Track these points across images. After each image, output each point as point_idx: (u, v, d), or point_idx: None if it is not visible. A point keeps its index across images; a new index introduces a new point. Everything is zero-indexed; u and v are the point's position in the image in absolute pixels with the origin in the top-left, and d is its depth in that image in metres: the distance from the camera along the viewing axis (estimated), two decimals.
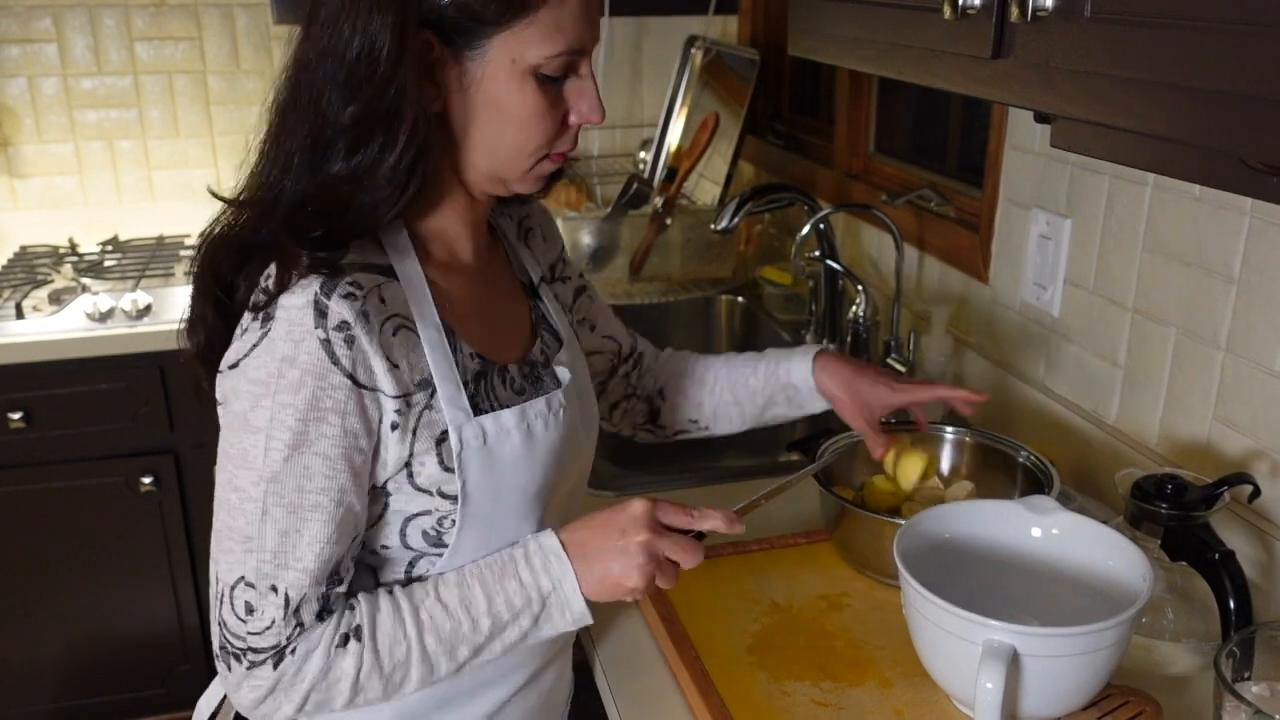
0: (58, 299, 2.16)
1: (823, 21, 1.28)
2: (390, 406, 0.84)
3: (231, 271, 0.86)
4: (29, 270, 2.34)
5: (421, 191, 0.86)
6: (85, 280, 2.27)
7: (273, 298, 0.82)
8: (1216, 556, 0.98)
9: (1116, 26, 0.78)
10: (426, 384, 0.87)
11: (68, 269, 2.35)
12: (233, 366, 0.83)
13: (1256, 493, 1.04)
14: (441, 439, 0.88)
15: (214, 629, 0.86)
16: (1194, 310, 1.22)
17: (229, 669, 0.86)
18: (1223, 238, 1.17)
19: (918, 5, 1.04)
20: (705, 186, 2.36)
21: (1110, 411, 1.37)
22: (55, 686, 2.29)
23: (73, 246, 2.49)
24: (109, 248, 2.51)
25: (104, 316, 2.11)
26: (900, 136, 2.09)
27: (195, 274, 0.90)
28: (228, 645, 0.85)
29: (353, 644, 0.86)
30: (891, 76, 1.14)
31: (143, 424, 2.16)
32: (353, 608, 0.87)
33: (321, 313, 0.81)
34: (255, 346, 0.82)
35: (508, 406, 0.92)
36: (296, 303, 0.81)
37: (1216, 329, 1.19)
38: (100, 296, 2.14)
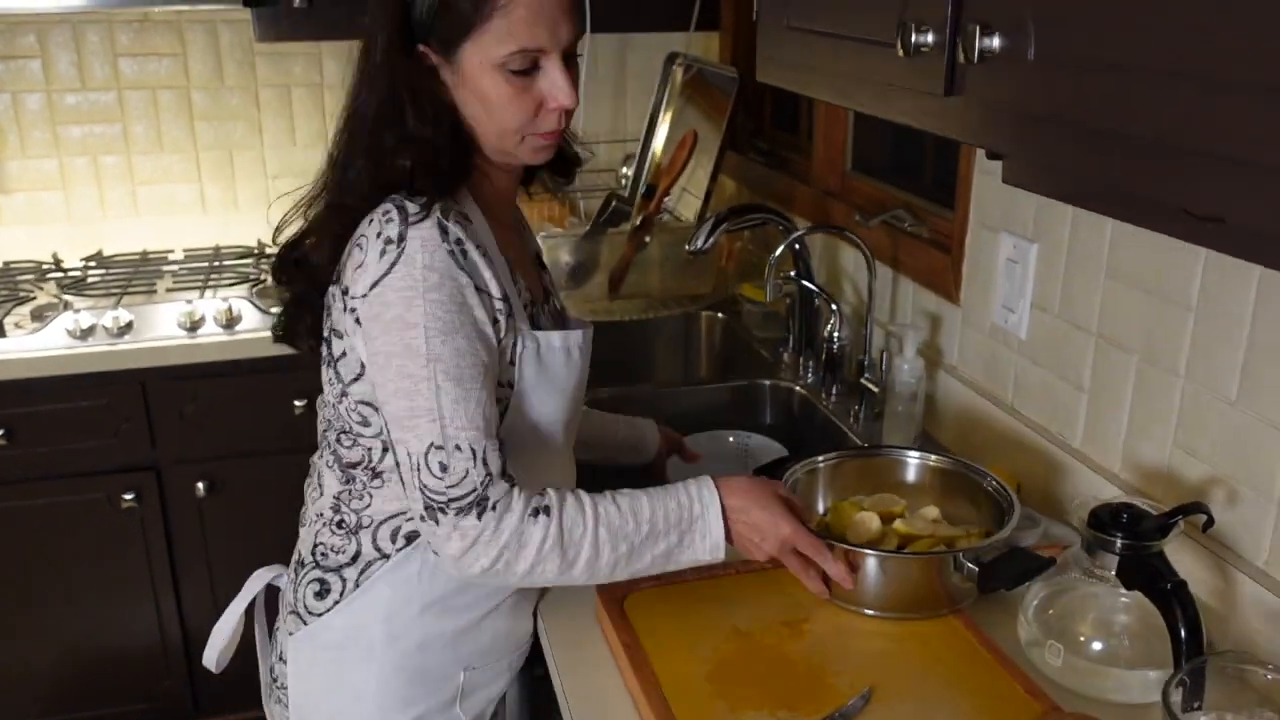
0: (40, 315, 2.17)
1: (789, 50, 1.29)
2: (495, 305, 1.07)
3: (314, 251, 1.14)
4: (12, 286, 2.34)
5: (469, 158, 1.11)
6: (68, 297, 2.28)
7: (406, 225, 1.03)
8: (1169, 586, 0.99)
9: (1058, 71, 0.79)
10: (505, 298, 1.09)
11: (51, 285, 2.36)
12: (375, 285, 1.03)
13: (1210, 522, 1.06)
14: (509, 340, 1.10)
15: (415, 495, 1.04)
16: (1155, 337, 1.24)
17: (437, 523, 1.04)
18: (1181, 266, 1.18)
19: (875, 39, 1.05)
20: (688, 201, 2.37)
21: (1076, 435, 1.39)
22: (38, 704, 2.29)
23: (56, 262, 2.50)
24: (92, 263, 2.51)
25: (85, 334, 2.12)
26: (877, 155, 2.10)
27: (280, 268, 1.18)
28: (433, 503, 1.04)
29: (542, 518, 1.05)
30: (853, 108, 1.15)
31: (124, 441, 2.16)
32: (543, 492, 1.07)
33: (444, 232, 1.04)
34: (395, 264, 1.02)
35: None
36: (426, 225, 1.03)
37: (1176, 356, 1.20)
38: (82, 314, 2.15)
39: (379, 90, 1.08)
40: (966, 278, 1.62)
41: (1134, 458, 1.29)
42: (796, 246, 1.83)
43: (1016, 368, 1.51)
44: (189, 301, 2.19)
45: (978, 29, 0.84)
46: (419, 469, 1.03)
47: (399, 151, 1.07)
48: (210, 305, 2.21)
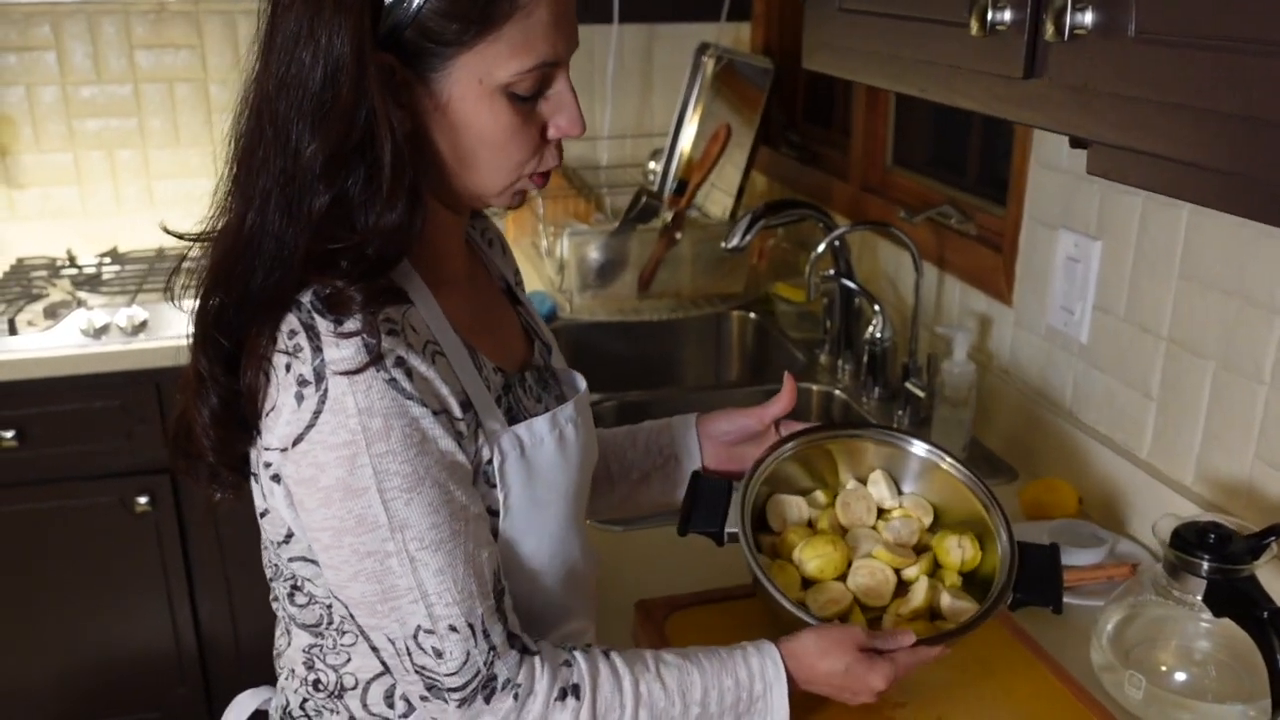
0: (53, 313, 2.11)
1: (841, 35, 1.21)
2: (457, 424, 0.83)
3: (237, 327, 0.80)
4: (25, 283, 2.29)
5: (418, 219, 0.81)
6: (82, 294, 2.22)
7: (322, 357, 0.76)
8: (1264, 615, 0.91)
9: (1163, 48, 0.71)
10: (467, 404, 0.84)
11: (65, 282, 2.30)
12: (299, 440, 0.77)
13: None
14: (485, 455, 0.86)
15: (411, 680, 0.83)
16: (1235, 342, 1.15)
17: (445, 702, 0.83)
18: (1267, 265, 1.10)
19: (943, 19, 0.97)
20: (717, 197, 2.30)
21: (1143, 446, 1.30)
22: (49, 710, 2.23)
23: (71, 259, 2.44)
24: (107, 260, 2.45)
25: (99, 332, 2.06)
26: (919, 148, 2.02)
27: (197, 339, 0.84)
28: (436, 684, 0.83)
29: (570, 701, 0.84)
30: (914, 94, 1.07)
31: (138, 443, 2.10)
32: (569, 664, 0.86)
33: (377, 356, 0.76)
34: (319, 414, 0.76)
35: (534, 415, 0.91)
36: (346, 354, 0.76)
37: (1260, 362, 1.12)
38: (96, 311, 2.08)
39: (338, 121, 0.75)
40: (1019, 277, 1.54)
41: (1209, 471, 1.20)
42: (837, 244, 1.75)
43: (1076, 372, 1.42)
44: None
45: (1069, 3, 0.77)
46: (409, 653, 0.82)
47: (339, 221, 0.78)
48: None
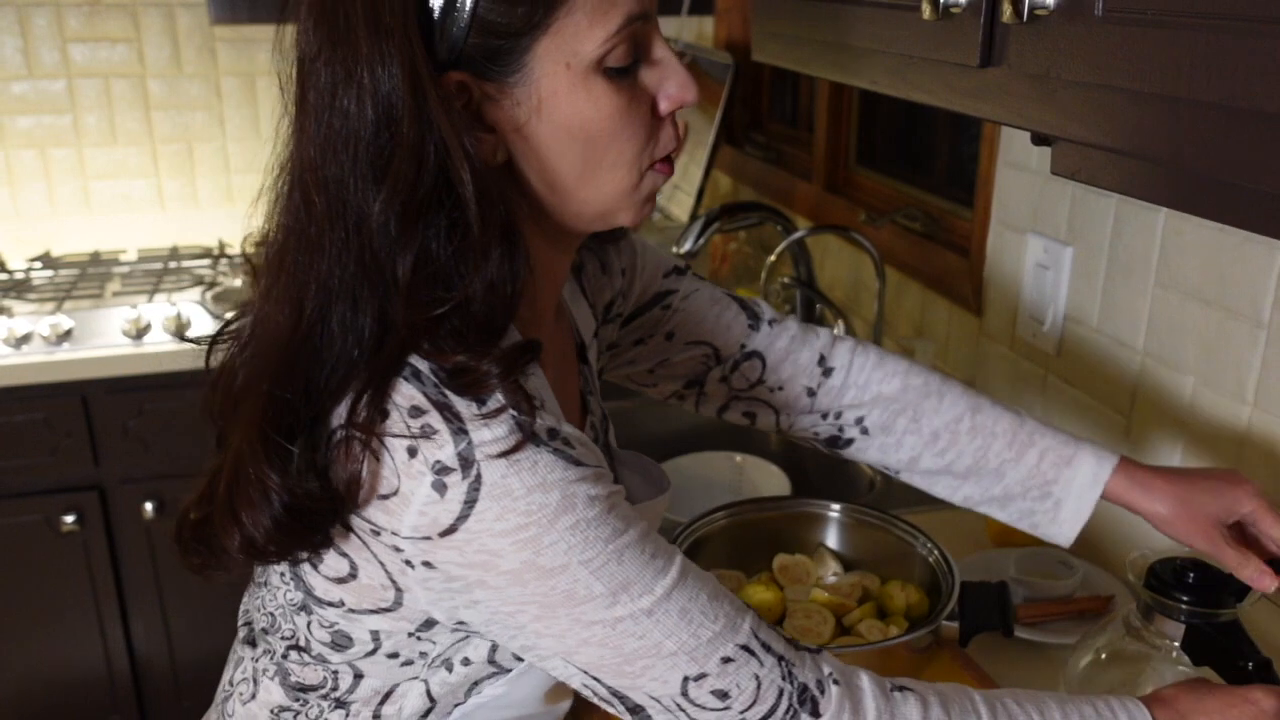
0: None
1: (789, 23, 1.12)
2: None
3: (303, 424, 0.67)
4: None
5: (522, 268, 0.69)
6: (7, 301, 2.10)
7: (468, 441, 0.63)
8: (1249, 666, 0.82)
9: (1134, 28, 0.62)
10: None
11: None
12: (448, 533, 0.64)
13: None
14: None
15: None
16: (1215, 357, 1.06)
17: None
18: (1250, 274, 1.01)
19: (894, 3, 0.88)
20: (680, 199, 2.20)
21: None
22: None
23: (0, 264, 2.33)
24: (38, 264, 2.34)
25: (20, 341, 1.94)
26: (884, 147, 1.92)
27: (251, 450, 0.67)
28: None
29: (911, 696, 0.70)
30: (864, 87, 0.98)
31: (63, 458, 1.98)
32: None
33: (530, 433, 0.64)
34: (473, 503, 0.63)
35: None
36: (499, 434, 0.63)
37: (1242, 379, 1.03)
38: (18, 320, 1.97)
39: (405, 165, 0.63)
40: (987, 285, 1.44)
41: None
42: (796, 249, 1.66)
43: (1046, 386, 1.33)
44: (134, 307, 2.01)
45: None
46: (682, 709, 0.68)
47: (429, 288, 0.65)
48: (159, 311, 2.03)
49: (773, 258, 1.56)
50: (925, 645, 0.95)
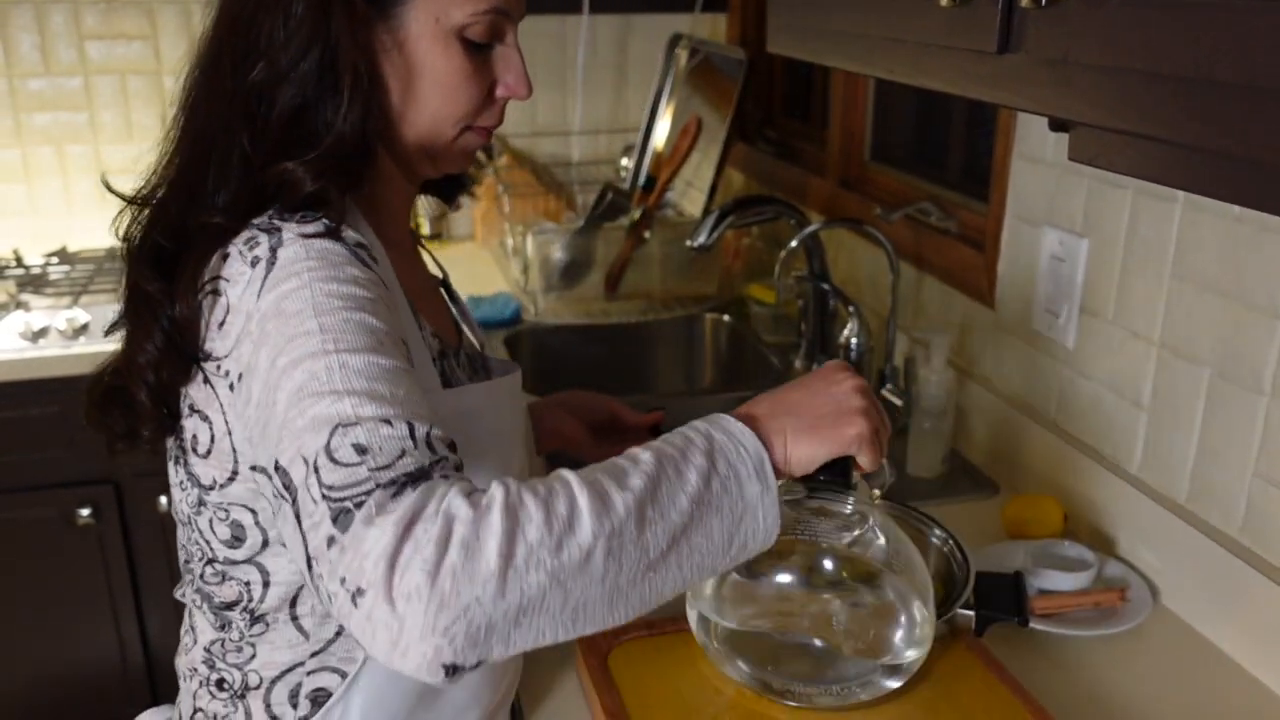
0: None
1: (805, 14, 1.12)
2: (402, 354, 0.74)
3: (181, 235, 0.79)
4: None
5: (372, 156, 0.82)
6: (25, 296, 2.11)
7: (280, 233, 0.74)
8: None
9: (1152, 10, 0.62)
10: (407, 348, 0.76)
11: (9, 283, 2.19)
12: (259, 295, 0.73)
13: None
14: None
15: (316, 510, 0.63)
16: (1232, 348, 1.06)
17: (346, 532, 0.62)
18: (1267, 264, 1.01)
19: None
20: (693, 196, 2.20)
21: (1133, 460, 1.20)
22: None
23: (17, 258, 2.34)
24: (55, 260, 2.35)
25: (37, 336, 1.95)
26: (899, 142, 1.92)
27: (136, 255, 0.84)
28: (345, 502, 0.62)
29: (509, 482, 0.65)
30: (880, 76, 0.98)
31: (79, 452, 1.99)
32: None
33: (336, 234, 0.75)
34: (272, 264, 0.73)
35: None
36: (308, 229, 0.74)
37: (1259, 371, 1.02)
38: (35, 314, 1.98)
39: (293, 50, 0.77)
40: (1002, 278, 1.44)
41: (1204, 487, 1.11)
42: (810, 243, 1.66)
43: (1061, 380, 1.33)
44: None
45: None
46: (317, 470, 0.64)
47: (305, 146, 0.77)
48: None
49: (789, 249, 1.55)
50: (940, 634, 0.95)
